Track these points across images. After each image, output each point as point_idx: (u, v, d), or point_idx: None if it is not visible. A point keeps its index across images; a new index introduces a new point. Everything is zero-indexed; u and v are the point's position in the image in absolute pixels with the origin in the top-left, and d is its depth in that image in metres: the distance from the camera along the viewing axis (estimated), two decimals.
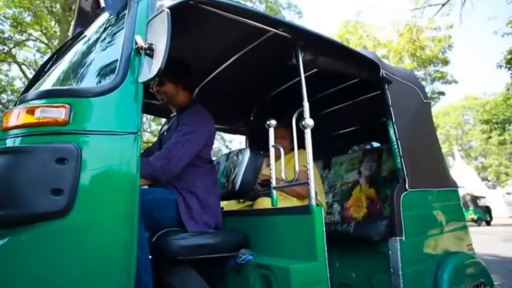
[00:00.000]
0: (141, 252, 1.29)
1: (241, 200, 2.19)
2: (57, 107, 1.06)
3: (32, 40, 10.76)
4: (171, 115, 1.85)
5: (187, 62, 1.79)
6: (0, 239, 0.96)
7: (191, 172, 1.60)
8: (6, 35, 10.05)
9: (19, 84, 12.10)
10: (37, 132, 1.05)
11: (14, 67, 11.55)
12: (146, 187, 1.82)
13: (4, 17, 9.68)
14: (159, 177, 1.48)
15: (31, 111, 1.06)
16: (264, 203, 2.01)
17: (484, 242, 7.73)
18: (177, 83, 1.73)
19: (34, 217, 0.97)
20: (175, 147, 1.51)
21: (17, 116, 1.07)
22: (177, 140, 1.54)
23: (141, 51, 1.15)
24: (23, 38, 10.57)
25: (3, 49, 10.05)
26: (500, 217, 20.85)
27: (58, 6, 9.29)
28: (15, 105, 1.20)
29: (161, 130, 1.97)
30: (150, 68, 1.12)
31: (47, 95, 1.13)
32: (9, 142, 1.05)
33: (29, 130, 1.06)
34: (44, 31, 9.92)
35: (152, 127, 13.46)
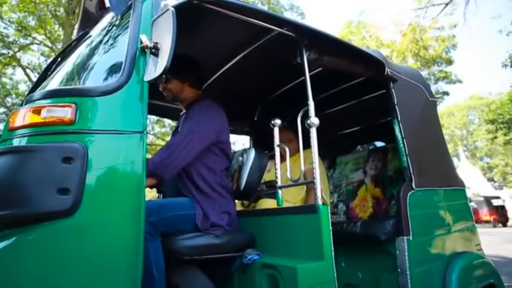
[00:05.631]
0: (157, 275, 1.30)
1: (245, 203, 2.18)
2: (63, 106, 1.07)
3: (36, 43, 10.86)
4: (181, 113, 1.83)
5: (193, 58, 1.77)
6: (8, 239, 0.96)
7: (210, 179, 1.58)
8: (11, 39, 10.16)
9: (23, 88, 12.23)
10: (43, 132, 1.06)
11: (19, 70, 11.66)
12: (158, 196, 1.79)
13: (9, 21, 9.79)
14: (160, 173, 1.40)
15: (37, 111, 1.06)
16: (267, 203, 2.00)
17: (491, 243, 7.64)
18: (183, 80, 1.70)
19: (41, 216, 0.96)
20: (177, 140, 1.48)
21: (23, 116, 1.07)
22: (181, 134, 1.51)
23: (146, 50, 1.15)
24: (28, 42, 10.68)
25: (8, 53, 10.15)
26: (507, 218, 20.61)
27: (61, 10, 9.37)
28: (21, 105, 1.20)
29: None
30: (156, 67, 1.12)
31: (53, 94, 1.13)
32: (16, 142, 1.06)
33: (36, 129, 1.06)
34: (48, 34, 10.00)
35: (155, 130, 13.49)
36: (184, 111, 1.78)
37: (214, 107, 1.65)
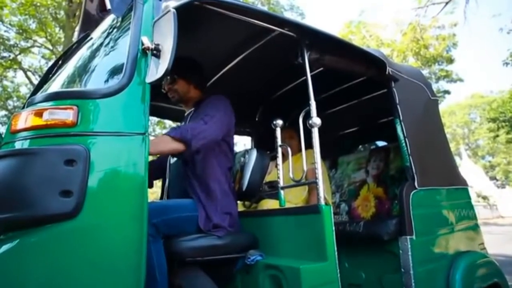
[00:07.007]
0: (160, 277, 1.29)
1: (246, 203, 2.18)
2: (65, 109, 1.06)
3: (37, 46, 10.90)
4: (186, 113, 1.82)
5: (198, 61, 1.77)
6: (11, 241, 0.96)
7: (214, 179, 1.57)
8: (11, 42, 10.20)
9: (24, 90, 12.27)
10: (45, 134, 1.05)
11: (20, 73, 11.71)
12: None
13: (10, 24, 9.83)
14: (189, 140, 1.39)
15: (39, 114, 1.06)
16: (268, 204, 1.99)
17: (494, 242, 7.61)
18: (189, 80, 1.71)
19: (44, 218, 0.96)
20: (205, 119, 1.48)
21: (25, 119, 1.07)
22: (206, 114, 1.51)
23: (147, 51, 1.15)
24: (28, 44, 10.72)
25: (9, 56, 10.19)
26: (510, 217, 20.59)
27: (62, 12, 9.40)
28: (23, 108, 1.20)
29: None
30: (157, 69, 1.11)
31: (55, 97, 1.13)
32: (18, 145, 1.06)
33: (38, 132, 1.06)
34: (48, 37, 10.04)
35: (156, 131, 13.50)
36: (188, 111, 1.78)
37: (223, 100, 1.65)
